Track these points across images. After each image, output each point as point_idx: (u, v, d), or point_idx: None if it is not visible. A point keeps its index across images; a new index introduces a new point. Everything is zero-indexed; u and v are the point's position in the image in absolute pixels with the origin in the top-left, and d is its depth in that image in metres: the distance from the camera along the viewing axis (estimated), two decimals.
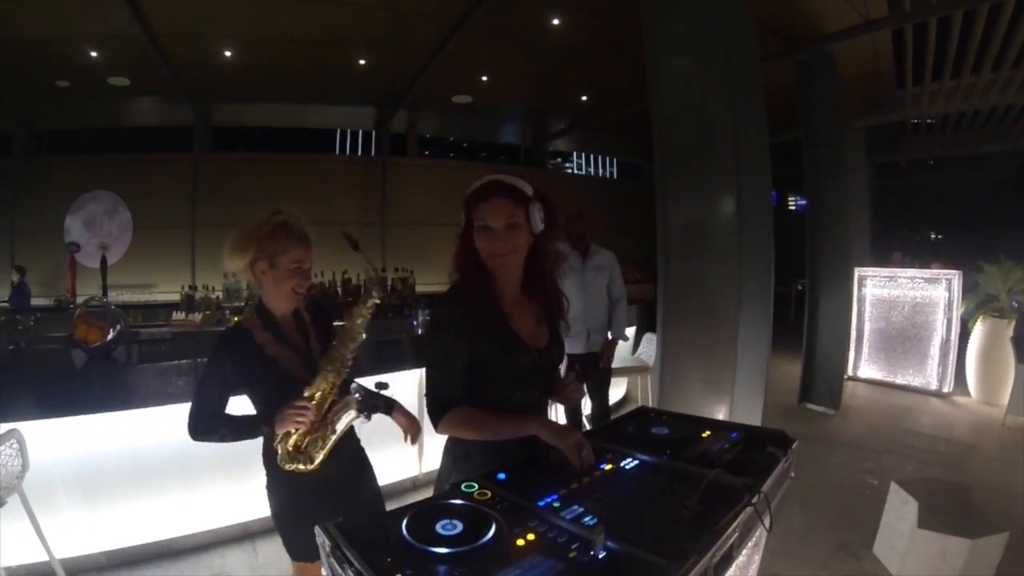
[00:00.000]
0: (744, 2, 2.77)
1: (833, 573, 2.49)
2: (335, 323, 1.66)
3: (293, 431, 1.45)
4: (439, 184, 8.93)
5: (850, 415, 4.92)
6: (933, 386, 5.45)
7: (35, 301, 6.73)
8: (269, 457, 1.52)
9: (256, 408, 1.53)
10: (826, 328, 5.20)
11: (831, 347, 5.16)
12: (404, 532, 0.86)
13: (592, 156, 13.42)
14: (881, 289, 5.94)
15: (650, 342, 4.37)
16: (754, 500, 1.00)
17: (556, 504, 0.98)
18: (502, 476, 1.09)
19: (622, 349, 3.92)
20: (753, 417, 2.66)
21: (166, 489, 2.60)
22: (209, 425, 1.45)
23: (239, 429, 1.47)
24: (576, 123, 10.74)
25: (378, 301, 1.60)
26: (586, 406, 3.37)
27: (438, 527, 0.88)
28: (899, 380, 5.72)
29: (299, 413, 1.43)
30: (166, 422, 2.40)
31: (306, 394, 1.47)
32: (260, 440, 1.52)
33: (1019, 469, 3.56)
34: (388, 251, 8.70)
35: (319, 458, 1.47)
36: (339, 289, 5.40)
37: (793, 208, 15.75)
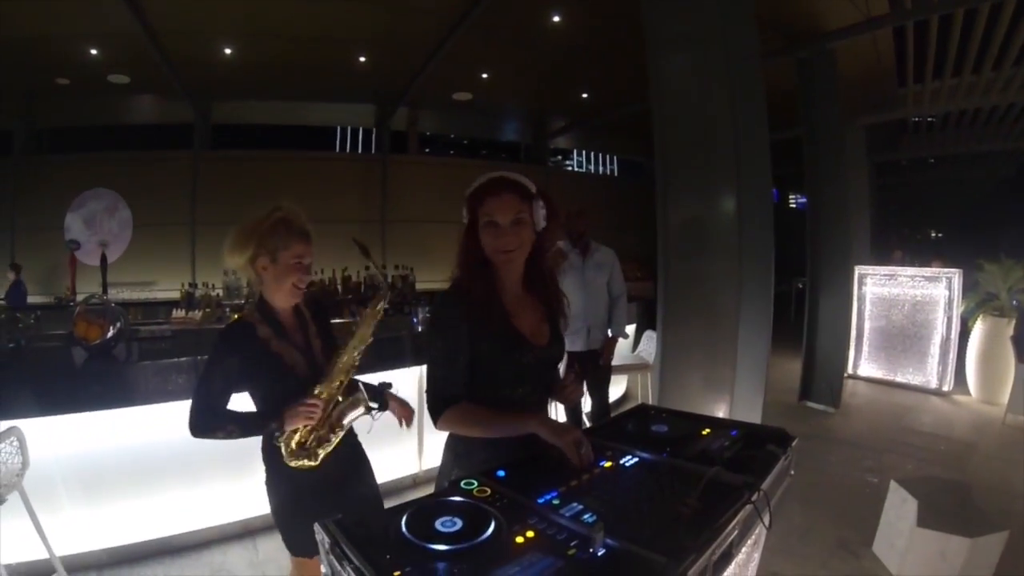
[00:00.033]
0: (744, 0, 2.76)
1: (832, 571, 2.49)
2: (333, 320, 1.67)
3: (301, 428, 1.46)
4: (439, 181, 8.90)
5: (850, 413, 4.92)
6: (933, 385, 5.45)
7: (32, 299, 6.74)
8: (269, 453, 1.52)
9: (256, 404, 1.53)
10: (826, 326, 5.20)
11: (831, 345, 5.16)
12: (403, 529, 0.86)
13: (592, 153, 13.42)
14: (881, 287, 5.93)
15: (650, 340, 4.37)
16: (754, 498, 1.00)
17: (555, 501, 0.98)
18: (501, 473, 1.09)
19: (622, 347, 3.92)
20: (753, 415, 2.66)
21: (166, 486, 2.61)
22: (214, 422, 1.43)
23: (247, 425, 1.45)
24: (576, 121, 10.72)
25: (387, 306, 1.62)
26: (586, 404, 3.37)
27: (437, 524, 0.88)
28: (899, 378, 5.72)
29: (310, 410, 1.43)
30: (166, 419, 2.41)
31: (315, 392, 1.48)
32: (259, 436, 1.52)
33: (1019, 468, 3.56)
34: (388, 248, 8.69)
35: (323, 455, 1.48)
36: (339, 287, 5.40)
37: (793, 206, 15.77)
